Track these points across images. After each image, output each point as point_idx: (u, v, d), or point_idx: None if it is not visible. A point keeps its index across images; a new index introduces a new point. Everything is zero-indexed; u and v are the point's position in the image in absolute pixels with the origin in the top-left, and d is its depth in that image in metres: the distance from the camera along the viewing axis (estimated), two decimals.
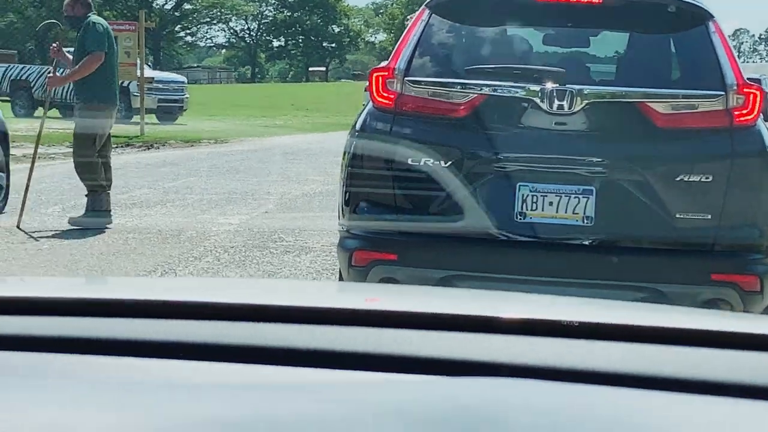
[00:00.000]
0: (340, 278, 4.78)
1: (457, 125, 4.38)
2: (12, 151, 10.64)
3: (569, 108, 4.24)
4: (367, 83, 4.70)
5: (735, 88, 4.18)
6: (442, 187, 4.30)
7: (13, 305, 1.29)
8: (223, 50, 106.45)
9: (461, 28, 4.69)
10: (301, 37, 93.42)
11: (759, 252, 4.22)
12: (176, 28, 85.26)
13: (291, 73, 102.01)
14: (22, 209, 8.38)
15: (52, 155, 14.68)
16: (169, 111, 26.24)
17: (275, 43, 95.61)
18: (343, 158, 4.57)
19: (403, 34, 4.71)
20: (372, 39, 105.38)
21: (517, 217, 4.25)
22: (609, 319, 1.28)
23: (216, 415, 0.96)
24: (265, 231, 8.40)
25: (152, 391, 1.04)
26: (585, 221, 4.20)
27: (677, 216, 4.19)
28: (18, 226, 8.20)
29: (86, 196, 8.55)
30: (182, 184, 11.89)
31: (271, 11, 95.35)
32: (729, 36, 4.44)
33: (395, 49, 4.61)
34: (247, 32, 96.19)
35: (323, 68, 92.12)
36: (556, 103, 4.24)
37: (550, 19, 4.69)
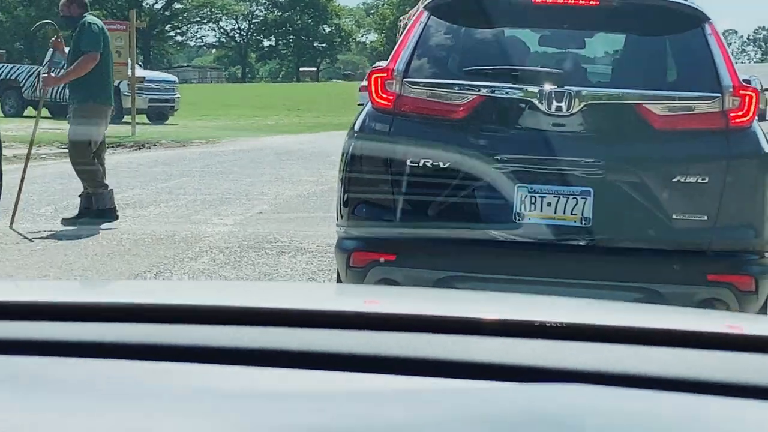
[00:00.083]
0: (338, 279, 4.78)
1: (455, 126, 4.40)
2: (3, 152, 10.58)
3: (567, 109, 4.26)
4: (361, 83, 4.71)
5: (731, 90, 4.21)
6: (440, 188, 4.32)
7: (7, 309, 1.29)
8: (214, 50, 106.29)
9: (460, 30, 4.71)
10: (291, 36, 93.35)
11: (754, 252, 4.26)
12: (166, 28, 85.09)
13: (282, 73, 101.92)
14: (15, 209, 8.36)
15: (43, 156, 14.64)
16: (160, 111, 26.20)
17: (266, 43, 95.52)
18: (342, 159, 4.58)
19: (402, 35, 4.73)
20: (363, 39, 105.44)
21: (515, 218, 4.27)
22: (655, 324, 1.29)
23: (237, 423, 0.97)
24: (260, 231, 8.40)
25: (165, 396, 1.05)
26: (583, 222, 4.23)
27: (674, 217, 4.22)
28: (11, 227, 8.19)
29: (79, 196, 8.54)
30: (175, 185, 11.88)
31: (262, 11, 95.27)
32: None
33: (394, 51, 4.63)
34: (238, 32, 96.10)
35: (314, 68, 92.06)
36: (554, 104, 4.26)
37: (548, 20, 4.72)
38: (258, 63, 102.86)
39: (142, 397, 1.04)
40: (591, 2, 4.48)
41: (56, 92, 22.23)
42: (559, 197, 4.24)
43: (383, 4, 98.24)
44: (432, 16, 4.62)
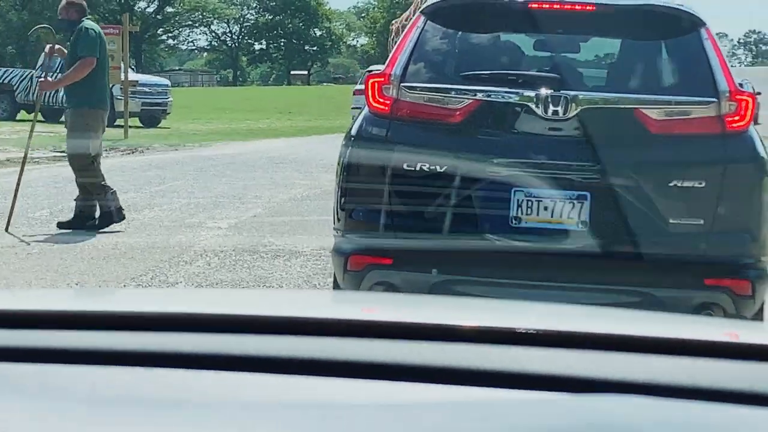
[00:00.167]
0: (335, 282, 4.79)
1: (452, 131, 4.42)
2: None
3: (564, 114, 4.28)
4: (356, 86, 4.73)
5: (727, 94, 4.24)
6: (437, 192, 4.34)
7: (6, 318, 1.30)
8: (205, 53, 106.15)
9: (456, 35, 4.73)
10: (282, 40, 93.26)
11: (751, 257, 4.28)
12: (158, 31, 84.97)
13: (272, 76, 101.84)
14: (10, 213, 8.36)
15: (37, 159, 14.61)
16: (152, 115, 26.16)
17: (257, 47, 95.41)
18: (339, 163, 4.59)
19: (396, 39, 4.75)
20: (354, 42, 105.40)
21: (512, 222, 4.29)
22: (695, 335, 1.30)
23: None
24: (254, 235, 8.40)
25: (162, 405, 1.05)
26: (580, 226, 4.25)
27: (671, 221, 4.24)
28: (7, 230, 8.18)
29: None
30: (169, 188, 11.87)
31: (253, 14, 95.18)
32: None
33: (391, 55, 4.65)
34: (229, 35, 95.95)
35: (305, 72, 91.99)
36: (551, 108, 4.28)
37: (545, 25, 4.74)
38: (249, 66, 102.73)
39: (142, 405, 1.05)
40: (587, 7, 4.51)
41: (49, 96, 22.19)
42: (555, 201, 4.26)
43: (374, 8, 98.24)
44: (429, 21, 4.64)
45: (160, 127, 25.49)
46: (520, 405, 1.05)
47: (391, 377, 1.10)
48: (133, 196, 10.93)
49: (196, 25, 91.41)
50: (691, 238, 4.25)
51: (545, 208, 4.27)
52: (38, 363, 1.16)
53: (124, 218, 8.50)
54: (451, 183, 4.32)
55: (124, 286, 6.34)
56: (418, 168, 4.32)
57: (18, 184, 8.59)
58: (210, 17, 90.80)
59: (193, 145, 19.95)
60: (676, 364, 1.14)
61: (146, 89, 25.75)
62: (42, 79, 8.85)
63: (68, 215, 8.59)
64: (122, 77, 20.74)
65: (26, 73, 27.24)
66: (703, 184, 4.22)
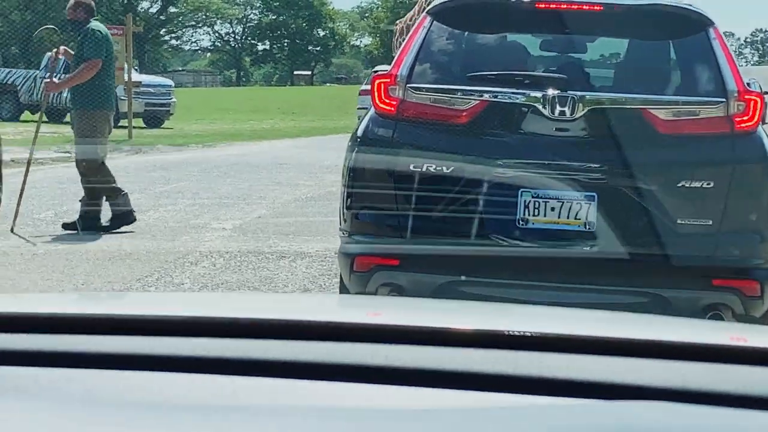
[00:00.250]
0: (341, 283, 4.78)
1: (458, 131, 4.41)
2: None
3: (571, 114, 4.27)
4: (361, 87, 4.72)
5: (736, 94, 4.22)
6: (443, 193, 4.33)
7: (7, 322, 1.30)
8: (208, 54, 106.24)
9: (462, 35, 4.72)
10: (286, 40, 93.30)
11: (760, 257, 4.26)
12: (161, 32, 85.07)
13: (276, 76, 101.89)
14: (16, 213, 8.36)
15: (41, 160, 14.61)
16: (156, 115, 26.18)
17: (260, 47, 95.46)
18: (345, 164, 4.58)
19: (401, 39, 4.74)
20: (357, 43, 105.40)
21: (519, 223, 4.28)
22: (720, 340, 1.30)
23: None
24: (259, 236, 8.40)
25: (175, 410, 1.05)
26: (587, 227, 4.23)
27: (679, 222, 4.22)
28: (12, 231, 8.19)
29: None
30: (173, 189, 11.87)
31: (256, 15, 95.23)
32: None
33: (397, 56, 4.63)
34: (232, 36, 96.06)
35: (308, 72, 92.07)
36: (558, 109, 4.27)
37: (552, 25, 4.73)
38: (252, 67, 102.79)
39: (148, 409, 1.05)
40: (594, 7, 4.49)
41: (53, 97, 22.18)
42: (563, 202, 4.25)
43: (377, 8, 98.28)
44: (435, 21, 4.63)
45: (163, 128, 25.50)
46: (545, 411, 1.04)
47: (410, 382, 1.09)
48: (138, 197, 10.91)
49: (200, 25, 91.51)
50: (699, 239, 4.23)
51: (552, 209, 4.25)
52: (47, 367, 1.15)
53: (134, 220, 8.51)
54: (457, 184, 4.31)
55: (130, 287, 6.33)
56: (424, 169, 4.31)
57: (23, 185, 8.60)
58: (213, 17, 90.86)
59: (196, 146, 19.95)
60: (700, 369, 1.14)
61: (150, 90, 25.75)
62: (48, 80, 8.84)
63: (73, 216, 8.59)
64: (126, 78, 20.74)
65: (30, 74, 27.24)
66: (712, 185, 4.20)
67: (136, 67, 28.88)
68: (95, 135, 8.29)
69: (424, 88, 4.45)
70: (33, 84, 25.97)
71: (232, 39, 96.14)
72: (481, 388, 1.09)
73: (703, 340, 1.29)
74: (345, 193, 4.53)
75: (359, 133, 4.55)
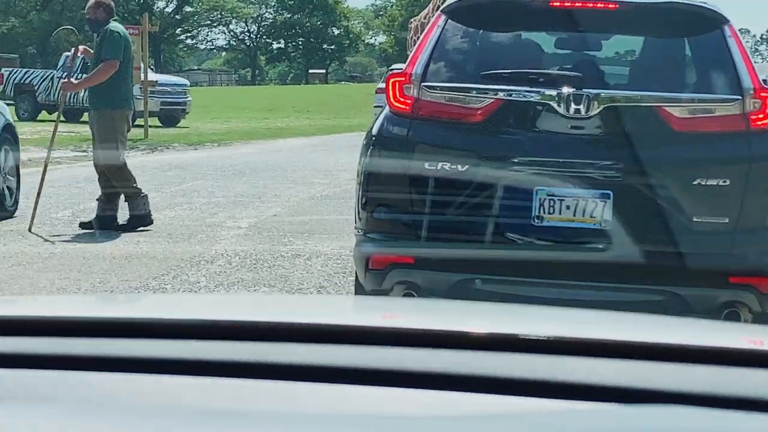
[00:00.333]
0: (356, 281, 4.80)
1: (473, 130, 4.41)
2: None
3: (586, 112, 4.27)
4: (377, 85, 4.73)
5: (751, 92, 4.21)
6: (458, 191, 4.33)
7: (26, 325, 1.31)
8: (223, 53, 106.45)
9: (477, 33, 4.72)
10: (300, 39, 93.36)
11: None
12: (177, 31, 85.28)
13: (291, 75, 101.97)
14: (33, 213, 8.42)
15: (58, 159, 14.68)
16: (171, 114, 26.27)
17: (275, 46, 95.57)
18: (360, 163, 4.59)
19: (415, 37, 4.75)
20: (372, 41, 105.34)
21: (534, 221, 4.28)
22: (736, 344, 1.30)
23: None
24: (274, 234, 8.42)
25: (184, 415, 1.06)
26: (602, 225, 4.23)
27: (694, 219, 4.21)
28: (30, 230, 8.24)
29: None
30: (189, 188, 11.91)
31: (271, 13, 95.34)
32: None
33: (412, 55, 4.64)
34: (247, 34, 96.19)
35: (323, 71, 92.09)
36: (573, 107, 4.27)
37: (566, 23, 4.72)
38: (267, 65, 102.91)
39: (157, 414, 1.05)
40: (609, 5, 4.49)
41: (71, 96, 22.27)
42: (578, 200, 4.24)
43: (392, 6, 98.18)
44: (449, 20, 4.63)
45: (179, 127, 25.58)
46: (562, 415, 1.05)
47: (424, 386, 1.10)
48: (154, 196, 10.95)
49: (215, 24, 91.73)
50: (715, 237, 4.22)
51: (567, 207, 4.25)
52: (65, 371, 1.16)
53: (151, 223, 8.54)
54: (472, 182, 4.31)
55: (147, 285, 6.37)
56: (439, 167, 4.32)
57: (41, 185, 8.65)
58: (228, 16, 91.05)
59: (212, 145, 20.01)
60: (718, 373, 1.14)
61: (165, 89, 25.85)
62: (65, 80, 8.89)
63: (90, 216, 8.63)
64: (142, 77, 20.81)
65: (47, 74, 27.39)
66: (727, 182, 4.19)
67: (152, 67, 28.97)
68: (114, 135, 8.33)
69: (438, 86, 4.45)
70: (50, 84, 26.11)
71: (247, 38, 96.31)
72: (497, 392, 1.09)
73: (721, 343, 1.29)
74: (360, 192, 4.54)
75: (374, 131, 4.56)
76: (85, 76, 9.11)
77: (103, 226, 8.32)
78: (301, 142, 21.54)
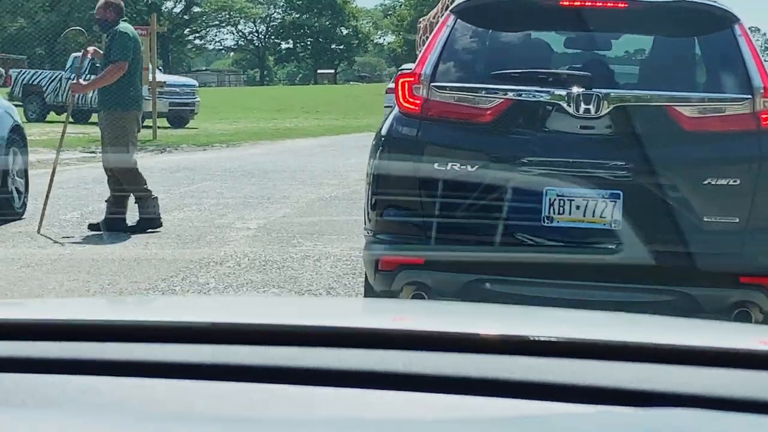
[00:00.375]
0: (366, 282, 4.79)
1: (483, 130, 4.40)
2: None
3: (596, 112, 4.25)
4: (387, 85, 4.72)
5: (762, 91, 4.19)
6: (468, 192, 4.32)
7: (34, 329, 1.30)
8: (232, 53, 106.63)
9: (486, 33, 4.71)
10: (309, 39, 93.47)
11: None
12: (185, 32, 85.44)
13: (299, 75, 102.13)
14: (42, 214, 8.43)
15: (66, 161, 14.72)
16: (180, 115, 26.31)
17: (283, 46, 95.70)
18: (369, 163, 4.59)
19: (424, 37, 4.75)
20: (381, 41, 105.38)
21: (544, 221, 4.27)
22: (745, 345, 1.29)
23: None
24: (283, 236, 8.42)
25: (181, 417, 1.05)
26: (612, 225, 4.22)
27: (705, 219, 4.20)
28: (39, 232, 8.26)
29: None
30: (198, 189, 11.92)
31: (280, 14, 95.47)
32: None
33: (421, 55, 4.63)
34: (256, 35, 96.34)
35: (332, 71, 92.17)
36: (583, 107, 4.25)
37: (576, 23, 4.71)
38: (276, 66, 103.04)
39: (166, 417, 1.05)
40: (619, 4, 4.47)
41: (79, 97, 22.32)
42: (588, 200, 4.23)
43: (401, 6, 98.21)
44: (459, 20, 4.62)
45: (187, 128, 25.62)
46: (575, 418, 1.04)
47: (435, 389, 1.09)
48: (163, 198, 10.95)
49: (223, 24, 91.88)
50: (726, 237, 4.20)
51: (577, 208, 4.24)
52: (75, 375, 1.16)
53: (161, 225, 8.55)
54: (481, 182, 4.30)
55: (156, 287, 6.37)
56: (448, 168, 4.31)
57: (50, 186, 8.66)
58: (237, 17, 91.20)
59: (221, 146, 20.04)
60: (731, 375, 1.13)
61: (174, 90, 25.89)
62: (74, 81, 8.90)
63: (99, 217, 8.65)
64: (150, 78, 20.85)
65: (55, 75, 27.44)
66: (738, 182, 4.17)
67: (160, 67, 29.02)
68: (125, 136, 8.34)
69: (448, 86, 4.44)
70: (59, 85, 26.16)
71: (255, 38, 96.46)
72: (508, 395, 1.09)
73: (734, 345, 1.28)
74: (370, 193, 4.53)
75: (383, 132, 4.55)
76: (93, 77, 9.12)
77: (112, 228, 8.33)
78: (310, 143, 21.55)
